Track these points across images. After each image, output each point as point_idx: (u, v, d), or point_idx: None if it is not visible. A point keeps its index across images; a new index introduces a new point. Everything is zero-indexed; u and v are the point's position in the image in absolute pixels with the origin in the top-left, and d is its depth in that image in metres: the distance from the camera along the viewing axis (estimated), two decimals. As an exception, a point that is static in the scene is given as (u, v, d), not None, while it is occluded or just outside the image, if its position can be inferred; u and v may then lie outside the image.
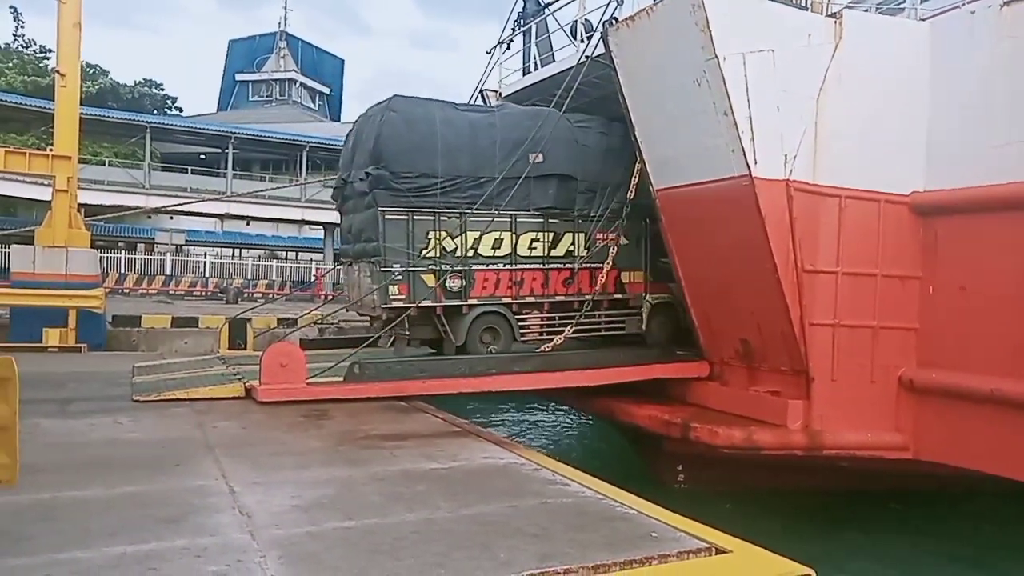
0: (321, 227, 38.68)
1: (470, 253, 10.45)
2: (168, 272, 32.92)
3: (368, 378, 8.91)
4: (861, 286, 9.44)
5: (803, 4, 9.90)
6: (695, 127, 9.29)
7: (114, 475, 5.39)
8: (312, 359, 9.15)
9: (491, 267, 10.65)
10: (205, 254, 37.85)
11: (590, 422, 15.21)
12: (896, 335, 9.59)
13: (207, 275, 34.06)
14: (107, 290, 18.69)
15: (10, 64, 43.91)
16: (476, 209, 10.29)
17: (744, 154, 8.74)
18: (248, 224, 41.80)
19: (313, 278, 34.83)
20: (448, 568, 3.85)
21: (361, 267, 10.80)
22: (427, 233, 10.17)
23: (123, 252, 34.51)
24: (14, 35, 48.78)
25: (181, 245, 34.55)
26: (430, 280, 10.20)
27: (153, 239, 35.30)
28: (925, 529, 9.64)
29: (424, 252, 10.14)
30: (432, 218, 10.20)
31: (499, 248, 10.70)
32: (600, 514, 4.91)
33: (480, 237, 10.50)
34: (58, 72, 14.66)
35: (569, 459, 7.26)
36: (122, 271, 31.88)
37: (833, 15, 9.42)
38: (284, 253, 45.84)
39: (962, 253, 9.18)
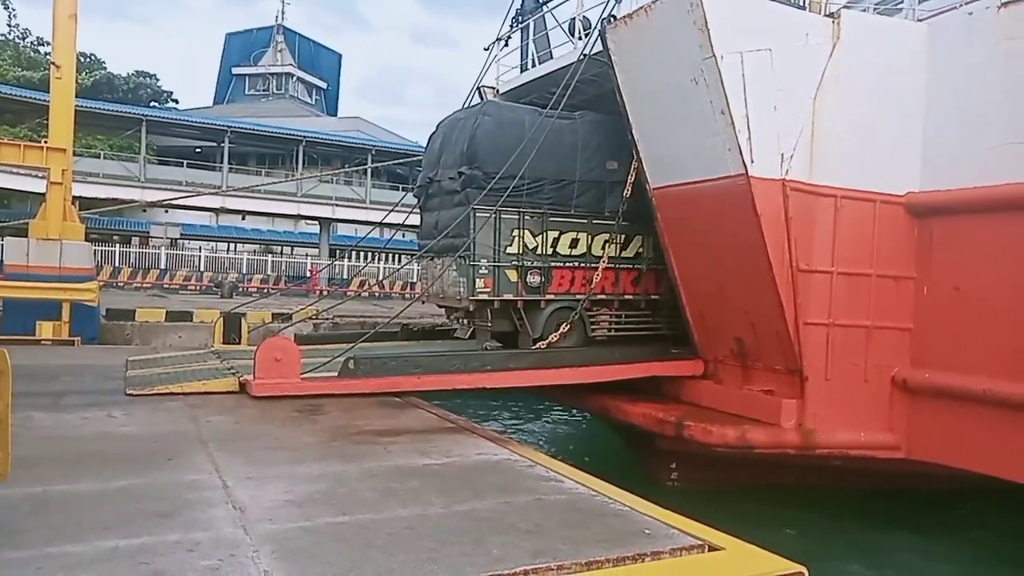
0: (317, 222, 38.57)
1: (549, 251, 11.06)
2: (163, 266, 32.76)
3: (363, 374, 8.90)
4: (856, 286, 9.47)
5: (801, 4, 9.90)
6: (692, 126, 9.30)
7: (107, 469, 5.37)
8: (307, 354, 9.13)
9: (567, 265, 11.18)
10: (200, 248, 37.65)
11: (585, 419, 15.24)
12: (890, 335, 9.62)
13: (202, 269, 33.91)
14: (101, 283, 18.61)
15: (5, 56, 43.66)
16: (557, 210, 10.97)
17: (741, 153, 8.75)
18: (243, 218, 41.77)
19: (308, 273, 34.73)
20: (441, 564, 3.85)
21: (445, 261, 11.26)
22: (512, 231, 10.73)
23: (117, 245, 34.35)
24: (9, 25, 48.49)
25: (176, 239, 34.43)
26: (513, 275, 10.81)
27: (148, 233, 35.16)
28: (917, 528, 9.67)
29: (508, 249, 10.73)
30: (517, 217, 10.75)
31: (575, 247, 11.27)
32: (594, 511, 4.92)
33: (559, 236, 11.08)
34: (53, 64, 14.55)
35: (563, 456, 7.28)
36: (116, 264, 31.70)
37: (831, 15, 9.43)
38: (279, 248, 45.74)
39: (956, 254, 9.21)
